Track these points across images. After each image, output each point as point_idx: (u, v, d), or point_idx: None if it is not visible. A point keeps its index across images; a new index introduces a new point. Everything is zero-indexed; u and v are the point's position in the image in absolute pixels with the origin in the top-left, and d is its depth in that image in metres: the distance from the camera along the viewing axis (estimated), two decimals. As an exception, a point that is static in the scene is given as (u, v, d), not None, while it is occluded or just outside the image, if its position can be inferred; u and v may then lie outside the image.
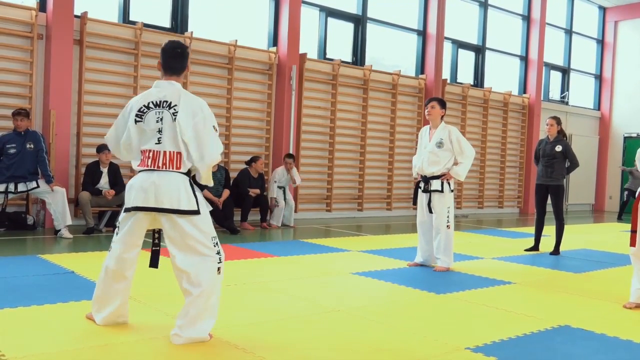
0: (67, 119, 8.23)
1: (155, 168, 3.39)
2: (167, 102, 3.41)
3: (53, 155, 8.02)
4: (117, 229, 3.56)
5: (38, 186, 7.31)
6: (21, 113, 7.28)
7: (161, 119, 3.39)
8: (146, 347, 3.31)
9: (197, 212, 3.38)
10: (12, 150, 7.22)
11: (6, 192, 7.21)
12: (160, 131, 3.39)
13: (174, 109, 3.39)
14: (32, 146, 7.30)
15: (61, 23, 8.11)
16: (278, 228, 9.42)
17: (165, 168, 3.38)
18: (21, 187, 7.26)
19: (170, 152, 3.39)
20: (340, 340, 3.58)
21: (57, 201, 7.34)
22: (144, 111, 3.43)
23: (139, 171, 3.45)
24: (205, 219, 3.43)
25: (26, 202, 8.04)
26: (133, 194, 3.40)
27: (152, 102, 3.43)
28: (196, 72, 9.35)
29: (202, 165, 3.40)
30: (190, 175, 3.47)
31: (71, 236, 7.29)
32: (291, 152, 10.38)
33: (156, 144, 3.40)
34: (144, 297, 4.36)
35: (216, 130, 3.46)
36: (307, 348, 3.41)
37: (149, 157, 3.41)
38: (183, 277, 3.38)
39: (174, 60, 3.53)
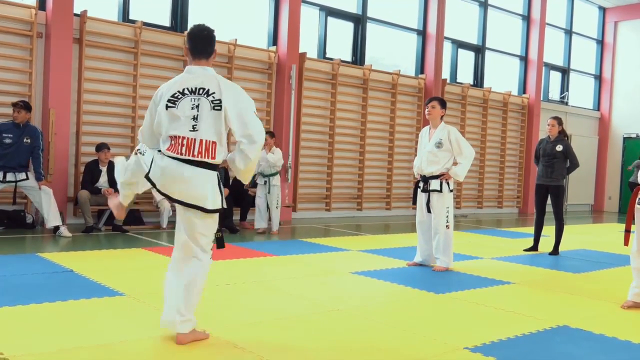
0: (66, 118, 8.22)
1: (191, 157, 3.28)
2: (204, 89, 3.33)
3: (52, 154, 8.02)
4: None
5: (27, 178, 7.28)
6: (18, 105, 7.26)
7: (197, 106, 3.31)
8: (145, 346, 3.30)
9: (220, 210, 3.38)
10: (8, 141, 7.19)
11: None
12: (195, 118, 3.31)
13: (213, 97, 3.31)
14: (28, 141, 7.28)
15: (61, 21, 8.10)
16: (262, 232, 8.53)
17: (201, 157, 3.29)
18: (10, 176, 7.22)
19: (206, 140, 3.30)
20: (340, 340, 3.58)
21: (41, 200, 7.28)
22: (178, 97, 3.34)
23: (169, 156, 3.32)
24: (217, 219, 3.43)
25: (13, 199, 7.81)
26: (161, 180, 3.32)
27: (188, 89, 3.34)
28: (196, 71, 9.33)
29: (251, 149, 3.29)
30: (219, 169, 3.41)
31: (70, 235, 7.28)
32: (290, 151, 10.38)
33: (191, 131, 3.29)
34: (142, 295, 4.36)
35: (256, 115, 3.41)
36: (306, 347, 3.41)
37: (182, 145, 3.29)
38: (177, 264, 3.39)
39: (203, 43, 3.45)
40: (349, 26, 11.91)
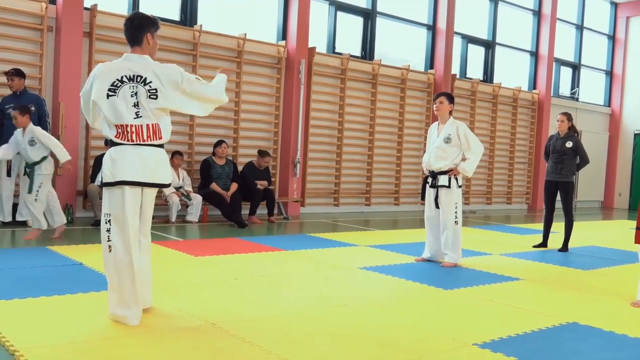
0: (76, 111, 8.24)
1: (141, 142, 3.51)
2: (140, 77, 3.52)
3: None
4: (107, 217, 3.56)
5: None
6: (10, 72, 7.27)
7: (135, 94, 3.51)
8: (153, 340, 3.32)
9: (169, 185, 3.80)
10: (10, 111, 7.15)
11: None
12: (136, 105, 3.50)
13: (150, 86, 3.52)
14: (33, 109, 7.21)
15: (71, 15, 8.13)
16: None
17: (150, 140, 3.53)
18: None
19: (151, 124, 3.54)
20: (347, 335, 3.57)
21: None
22: (118, 85, 3.50)
23: (118, 143, 3.51)
24: None
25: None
26: (120, 167, 3.47)
27: (126, 77, 3.52)
28: (205, 65, 9.35)
29: (212, 107, 3.86)
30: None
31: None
32: (299, 146, 10.37)
33: (135, 118, 3.50)
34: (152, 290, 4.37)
35: (199, 79, 3.73)
36: (313, 342, 3.42)
37: (131, 132, 3.49)
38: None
39: (132, 31, 3.65)
40: (358, 21, 11.87)
